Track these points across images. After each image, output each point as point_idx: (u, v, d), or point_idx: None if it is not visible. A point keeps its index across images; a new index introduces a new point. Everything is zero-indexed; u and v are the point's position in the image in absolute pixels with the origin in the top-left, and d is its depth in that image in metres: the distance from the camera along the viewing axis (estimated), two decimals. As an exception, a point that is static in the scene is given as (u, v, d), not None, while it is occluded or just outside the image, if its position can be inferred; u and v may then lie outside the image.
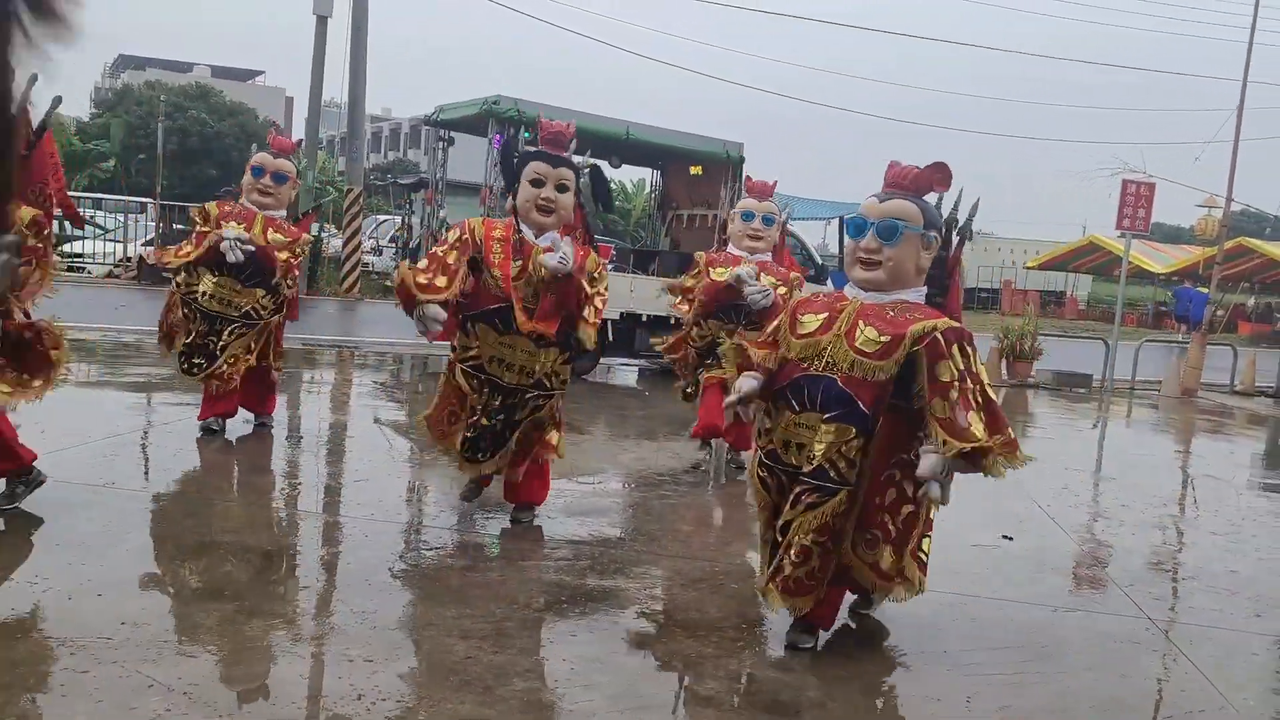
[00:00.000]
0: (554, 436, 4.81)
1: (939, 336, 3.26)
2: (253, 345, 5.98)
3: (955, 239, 3.64)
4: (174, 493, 4.93)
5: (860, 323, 3.36)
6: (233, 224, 5.77)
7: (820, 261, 13.40)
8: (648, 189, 15.41)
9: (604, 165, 4.99)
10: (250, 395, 6.26)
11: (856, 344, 3.32)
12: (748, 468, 3.85)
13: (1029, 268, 39.18)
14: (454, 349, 4.64)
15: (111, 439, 5.78)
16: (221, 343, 5.81)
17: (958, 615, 4.03)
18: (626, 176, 42.50)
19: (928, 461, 3.25)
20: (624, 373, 12.23)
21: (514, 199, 4.53)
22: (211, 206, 5.94)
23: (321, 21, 21.04)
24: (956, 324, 3.37)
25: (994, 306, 35.95)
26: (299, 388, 8.83)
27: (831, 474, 3.28)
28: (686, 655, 3.40)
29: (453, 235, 4.48)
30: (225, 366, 5.85)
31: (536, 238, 4.45)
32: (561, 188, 4.45)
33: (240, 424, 6.31)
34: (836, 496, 3.28)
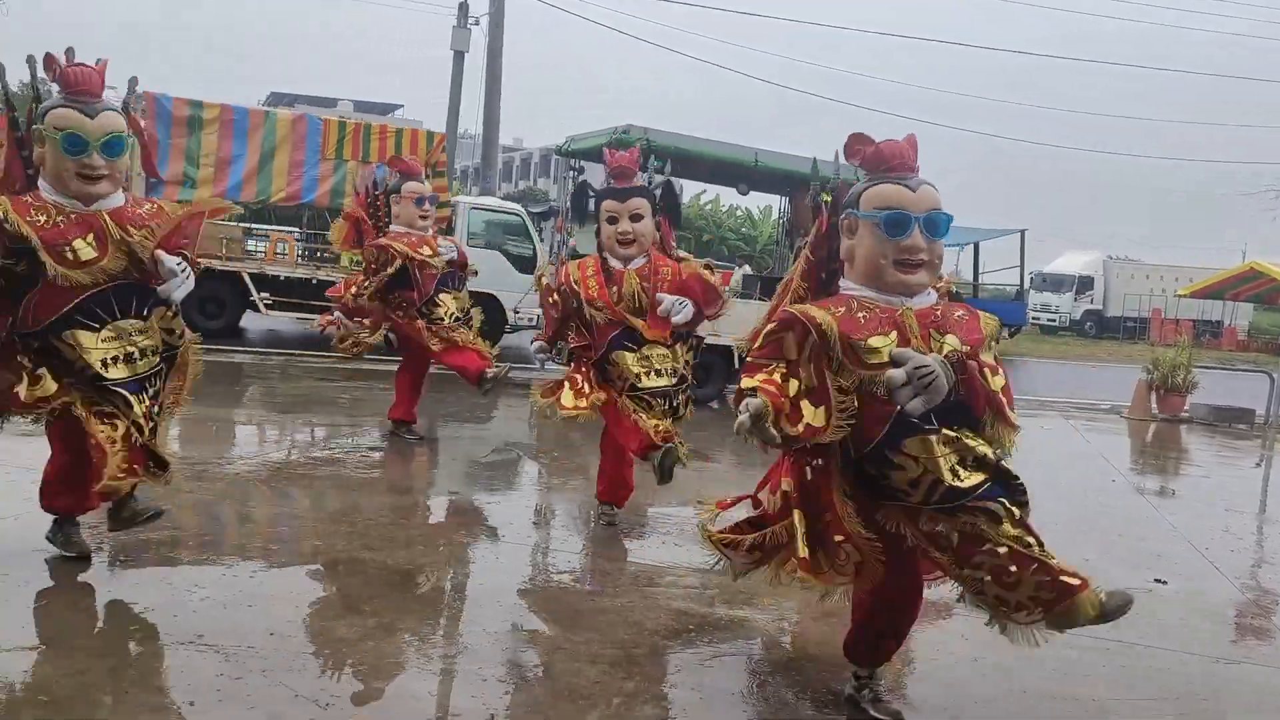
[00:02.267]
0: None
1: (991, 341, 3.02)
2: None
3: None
4: (314, 509, 5.13)
5: (933, 331, 2.94)
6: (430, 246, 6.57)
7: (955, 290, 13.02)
8: (775, 215, 15.32)
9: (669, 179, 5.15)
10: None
11: (945, 354, 2.87)
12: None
13: (1181, 295, 37.09)
14: (608, 391, 4.84)
15: (252, 458, 6.09)
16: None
17: (1106, 661, 3.81)
18: (754, 203, 42.42)
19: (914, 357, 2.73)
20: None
21: (598, 235, 4.94)
22: (400, 245, 6.46)
23: (459, 56, 21.91)
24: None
25: (1142, 336, 34.18)
26: (430, 409, 9.10)
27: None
28: (816, 689, 3.32)
29: (549, 296, 5.03)
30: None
31: (625, 266, 4.83)
32: (635, 217, 4.79)
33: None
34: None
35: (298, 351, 11.26)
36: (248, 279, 11.47)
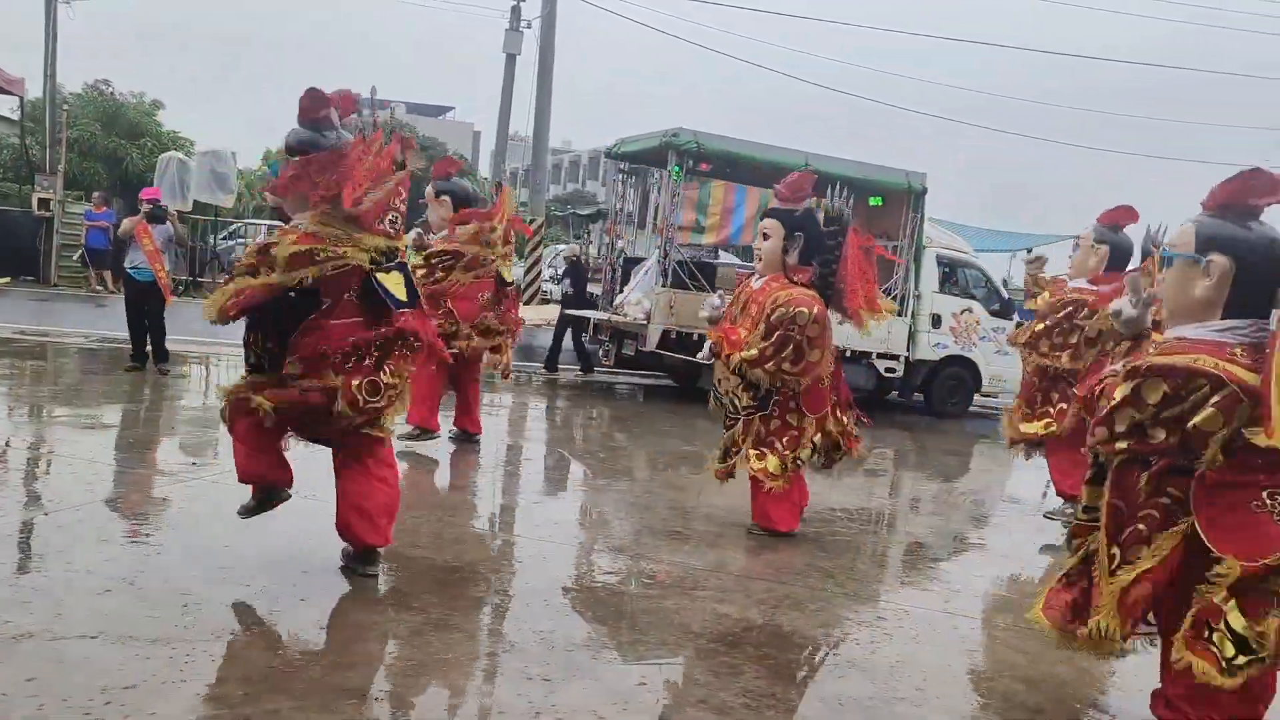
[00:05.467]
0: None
1: None
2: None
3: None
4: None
5: None
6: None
7: (1006, 296, 12.83)
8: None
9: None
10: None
11: None
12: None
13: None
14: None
15: (310, 453, 6.17)
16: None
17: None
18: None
19: None
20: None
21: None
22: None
23: (510, 59, 22.08)
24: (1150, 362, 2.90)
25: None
26: (483, 409, 9.18)
27: None
28: (858, 697, 3.30)
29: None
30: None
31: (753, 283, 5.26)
32: (763, 235, 5.14)
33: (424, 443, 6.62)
34: None
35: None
36: None
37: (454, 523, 5.14)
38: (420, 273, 6.41)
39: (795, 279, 5.04)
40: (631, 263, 12.08)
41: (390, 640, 3.37)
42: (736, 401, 5.12)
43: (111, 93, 25.19)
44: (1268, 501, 2.63)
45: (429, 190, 6.87)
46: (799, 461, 5.04)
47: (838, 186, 5.82)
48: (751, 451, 5.05)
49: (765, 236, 5.11)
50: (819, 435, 5.08)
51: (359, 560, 3.97)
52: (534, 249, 20.13)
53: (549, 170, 25.66)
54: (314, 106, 3.72)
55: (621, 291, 11.79)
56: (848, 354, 10.93)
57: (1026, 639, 3.85)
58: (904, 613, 4.24)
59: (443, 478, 6.22)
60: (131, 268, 8.90)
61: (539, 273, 20.66)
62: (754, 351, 4.87)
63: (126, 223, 9.00)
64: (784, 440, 5.01)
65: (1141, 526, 2.79)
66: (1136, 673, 3.71)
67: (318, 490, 5.39)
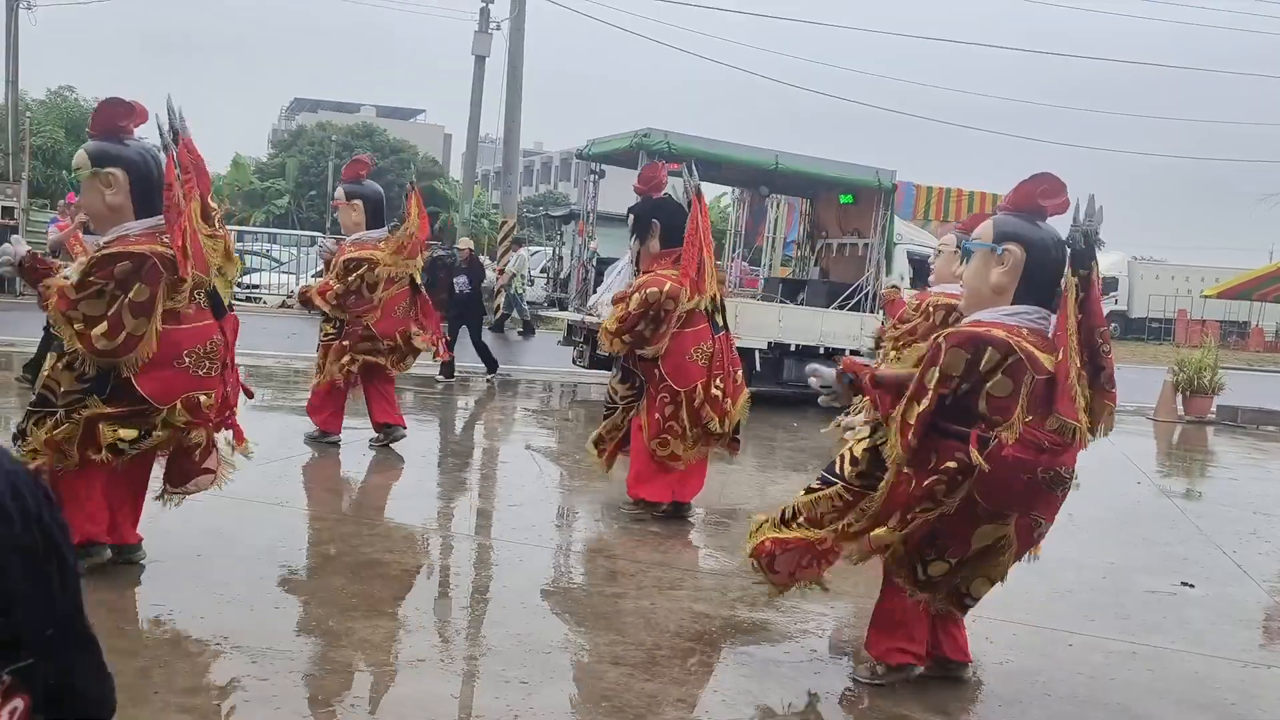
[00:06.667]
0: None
1: (940, 341, 3.10)
2: None
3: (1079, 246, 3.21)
4: (338, 512, 5.17)
5: None
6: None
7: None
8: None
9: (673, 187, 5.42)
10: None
11: None
12: None
13: (1206, 296, 36.67)
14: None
15: (283, 460, 6.13)
16: None
17: (1132, 665, 3.78)
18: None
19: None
20: (772, 403, 12.11)
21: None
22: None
23: (480, 61, 22.00)
24: (966, 331, 3.12)
25: (1167, 338, 33.83)
26: (454, 414, 9.14)
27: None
28: (836, 692, 3.31)
29: None
30: None
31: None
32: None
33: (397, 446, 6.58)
34: None
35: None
36: None
37: (427, 528, 5.11)
38: (336, 287, 6.33)
39: (652, 268, 5.22)
40: (605, 263, 12.07)
41: (365, 646, 3.35)
42: (613, 394, 5.43)
43: (75, 99, 24.88)
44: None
45: (339, 193, 6.74)
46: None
47: (693, 164, 5.79)
48: (653, 442, 5.20)
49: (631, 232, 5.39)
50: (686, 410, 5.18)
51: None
52: (504, 253, 20.08)
53: (520, 172, 25.51)
54: (114, 116, 3.66)
55: (595, 292, 11.77)
56: (822, 350, 10.98)
57: (1002, 630, 3.88)
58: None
59: (416, 482, 6.18)
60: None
61: (513, 275, 20.58)
62: (614, 323, 5.13)
63: (55, 233, 8.16)
64: (664, 414, 5.18)
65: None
66: (1110, 664, 3.75)
67: (290, 498, 5.36)
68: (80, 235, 7.93)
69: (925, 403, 2.99)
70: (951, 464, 2.97)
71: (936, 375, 3.00)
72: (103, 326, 3.44)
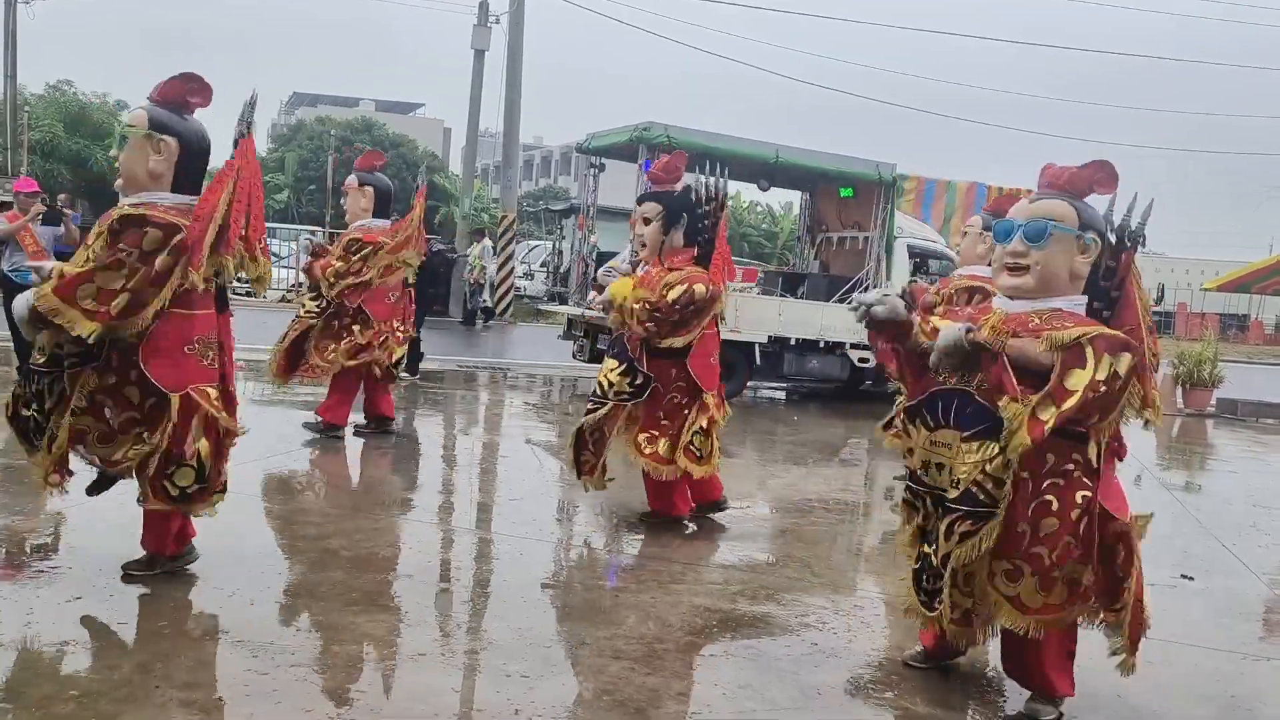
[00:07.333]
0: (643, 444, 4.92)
1: (1085, 344, 2.89)
2: None
3: (1125, 244, 3.20)
4: (339, 507, 5.17)
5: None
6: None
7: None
8: (796, 211, 15.26)
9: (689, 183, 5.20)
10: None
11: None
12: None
13: (1206, 289, 36.72)
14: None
15: (282, 455, 6.13)
16: None
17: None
18: (775, 199, 42.30)
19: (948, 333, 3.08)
20: (773, 396, 12.12)
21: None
22: None
23: (479, 55, 21.97)
24: (1113, 333, 2.96)
25: (1167, 330, 33.84)
26: (454, 408, 9.14)
27: (981, 497, 2.99)
28: (838, 685, 3.32)
29: None
30: None
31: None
32: (644, 220, 4.93)
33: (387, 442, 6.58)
34: (990, 522, 2.99)
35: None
36: None
37: (427, 522, 5.12)
38: (338, 265, 6.41)
39: (674, 264, 4.85)
40: (605, 257, 12.06)
41: (367, 640, 3.35)
42: (605, 386, 4.89)
43: (74, 93, 24.85)
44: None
45: (351, 179, 6.80)
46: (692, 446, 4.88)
47: (710, 164, 5.57)
48: (640, 436, 4.92)
49: (646, 221, 4.89)
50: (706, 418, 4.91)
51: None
52: (506, 245, 20.05)
53: (520, 166, 25.43)
54: (185, 90, 3.65)
55: (595, 293, 11.75)
56: (822, 344, 10.99)
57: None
58: (881, 602, 4.27)
59: (416, 476, 6.19)
60: (12, 270, 7.76)
61: (512, 269, 20.57)
62: (645, 309, 4.68)
63: (3, 224, 7.68)
64: (673, 421, 4.87)
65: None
66: (1094, 655, 3.75)
67: (290, 493, 5.36)
68: (31, 228, 7.69)
69: (1071, 403, 2.85)
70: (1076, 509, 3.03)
71: (1110, 373, 2.85)
72: (123, 299, 3.36)
